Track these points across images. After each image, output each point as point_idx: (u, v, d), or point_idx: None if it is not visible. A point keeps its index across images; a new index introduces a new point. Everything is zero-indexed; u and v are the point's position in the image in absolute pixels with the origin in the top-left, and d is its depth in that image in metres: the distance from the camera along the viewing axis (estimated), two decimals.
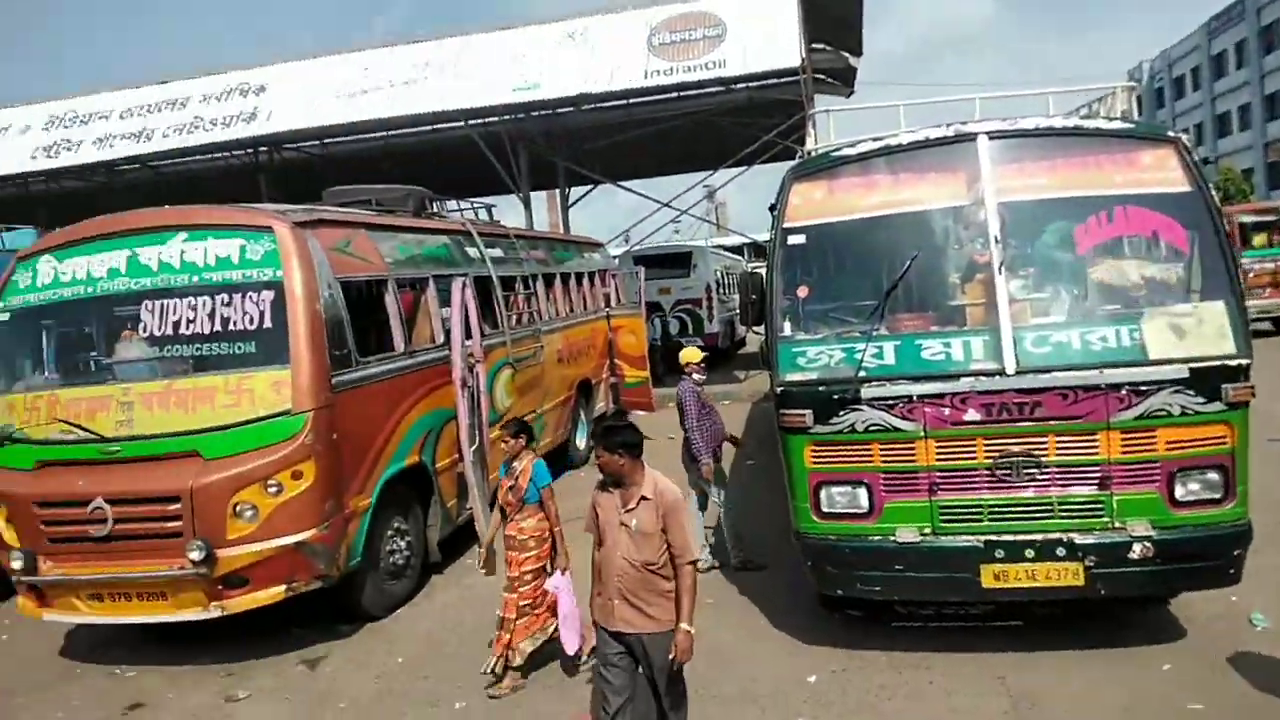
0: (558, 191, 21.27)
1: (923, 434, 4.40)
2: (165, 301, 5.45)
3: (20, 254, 5.89)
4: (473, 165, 17.00)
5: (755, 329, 5.53)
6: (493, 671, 4.76)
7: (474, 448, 6.59)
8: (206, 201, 6.10)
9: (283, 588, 5.22)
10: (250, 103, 16.08)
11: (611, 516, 3.47)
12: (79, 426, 5.28)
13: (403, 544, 6.12)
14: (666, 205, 19.90)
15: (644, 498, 3.44)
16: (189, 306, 5.42)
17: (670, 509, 3.41)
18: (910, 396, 4.40)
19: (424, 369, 6.51)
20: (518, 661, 4.74)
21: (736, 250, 29.71)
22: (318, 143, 18.36)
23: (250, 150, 18.18)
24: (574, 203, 21.65)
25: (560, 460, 9.66)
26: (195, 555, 4.95)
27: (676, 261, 18.19)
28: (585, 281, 11.26)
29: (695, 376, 6.28)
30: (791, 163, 5.43)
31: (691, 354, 6.45)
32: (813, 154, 5.20)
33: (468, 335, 6.81)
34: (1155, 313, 4.33)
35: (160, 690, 5.13)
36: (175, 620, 5.22)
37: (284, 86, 15.96)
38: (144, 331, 5.51)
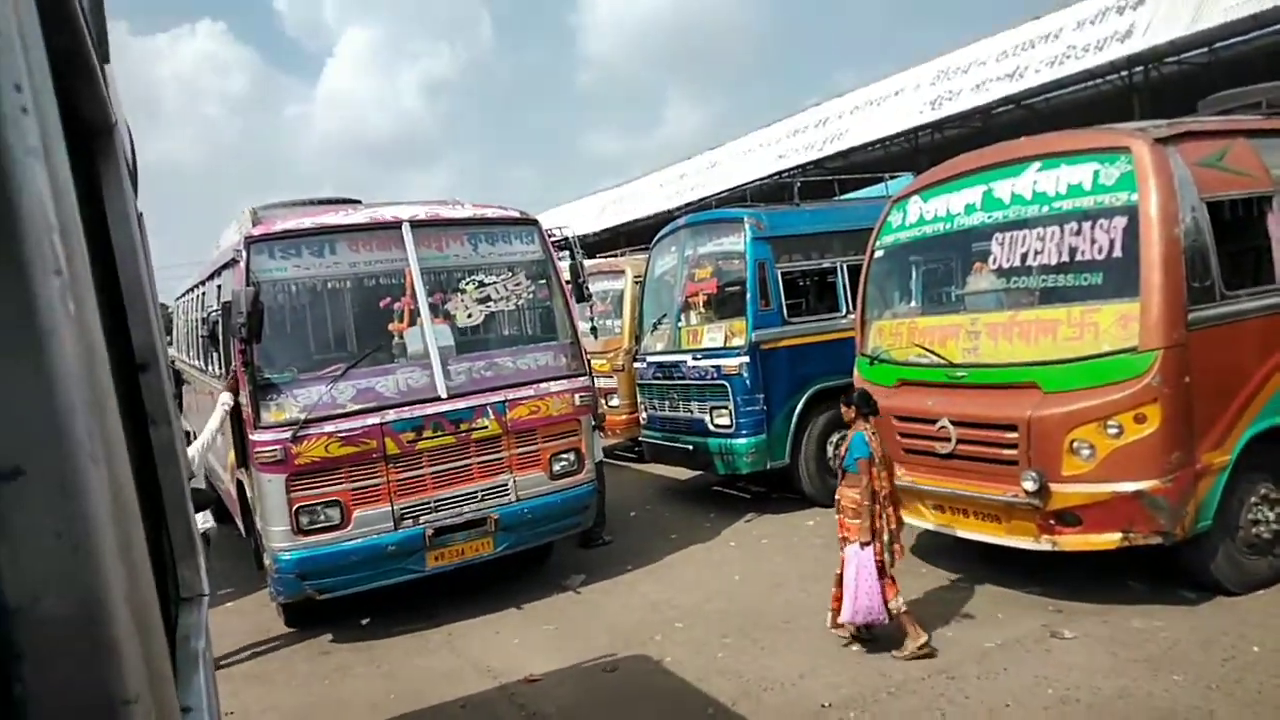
0: None
1: None
2: (1014, 233, 5.52)
3: (894, 197, 6.69)
4: None
5: None
6: (833, 625, 5.03)
7: None
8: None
9: (1118, 535, 4.89)
10: (1126, 20, 15.01)
11: None
12: (931, 351, 5.81)
13: (1271, 515, 5.09)
14: None
15: None
16: (1037, 238, 5.38)
17: None
18: None
19: None
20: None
21: None
22: (1204, 50, 16.16)
23: (1123, 72, 17.07)
24: None
25: None
26: (1029, 485, 4.99)
27: None
28: None
29: None
30: None
31: None
32: None
33: None
34: None
35: (988, 608, 5.39)
36: (1005, 544, 5.39)
37: None
38: (993, 264, 5.70)
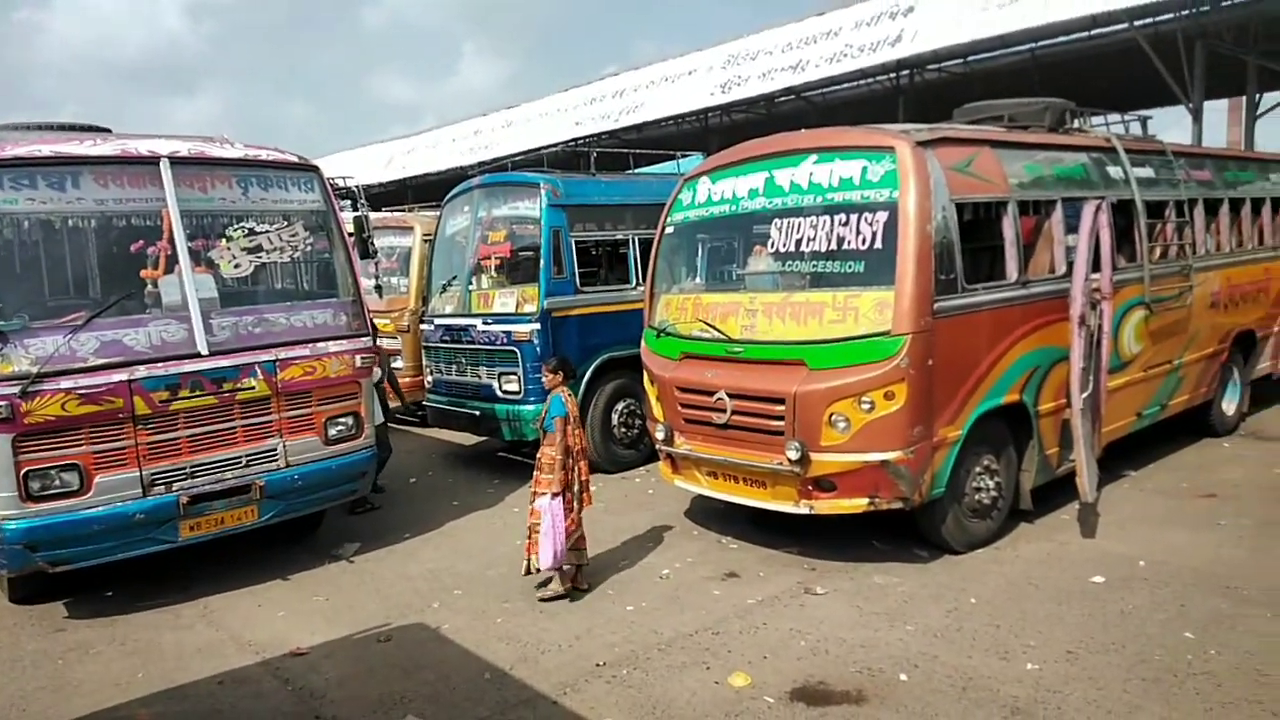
0: (1243, 100, 17.35)
1: None
2: (791, 220, 5.85)
3: (685, 176, 6.89)
4: (1131, 73, 14.89)
5: None
6: (526, 573, 5.44)
7: (1085, 395, 5.87)
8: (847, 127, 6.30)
9: (866, 500, 5.40)
10: (897, 26, 16.29)
11: None
12: (713, 327, 6.08)
13: (991, 483, 5.82)
14: None
15: None
16: (810, 225, 5.73)
17: None
18: None
19: (1037, 301, 5.96)
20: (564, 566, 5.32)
21: None
22: (960, 61, 17.90)
23: (892, 75, 18.53)
24: (1265, 113, 17.46)
25: (1196, 423, 8.28)
26: (793, 454, 5.38)
27: None
28: (1267, 210, 9.05)
29: None
30: None
31: None
32: None
33: (1095, 267, 6.03)
34: None
35: (752, 567, 5.78)
36: (769, 508, 5.80)
37: (931, 4, 15.77)
38: (771, 247, 6.03)
